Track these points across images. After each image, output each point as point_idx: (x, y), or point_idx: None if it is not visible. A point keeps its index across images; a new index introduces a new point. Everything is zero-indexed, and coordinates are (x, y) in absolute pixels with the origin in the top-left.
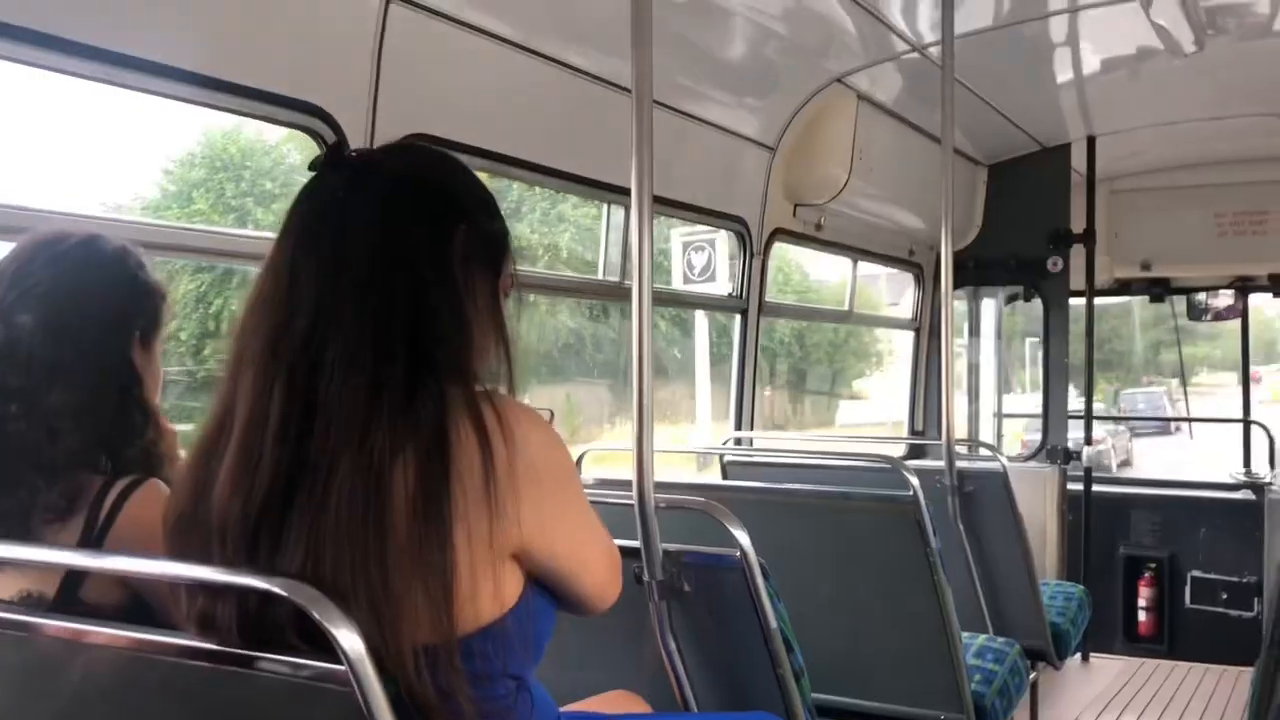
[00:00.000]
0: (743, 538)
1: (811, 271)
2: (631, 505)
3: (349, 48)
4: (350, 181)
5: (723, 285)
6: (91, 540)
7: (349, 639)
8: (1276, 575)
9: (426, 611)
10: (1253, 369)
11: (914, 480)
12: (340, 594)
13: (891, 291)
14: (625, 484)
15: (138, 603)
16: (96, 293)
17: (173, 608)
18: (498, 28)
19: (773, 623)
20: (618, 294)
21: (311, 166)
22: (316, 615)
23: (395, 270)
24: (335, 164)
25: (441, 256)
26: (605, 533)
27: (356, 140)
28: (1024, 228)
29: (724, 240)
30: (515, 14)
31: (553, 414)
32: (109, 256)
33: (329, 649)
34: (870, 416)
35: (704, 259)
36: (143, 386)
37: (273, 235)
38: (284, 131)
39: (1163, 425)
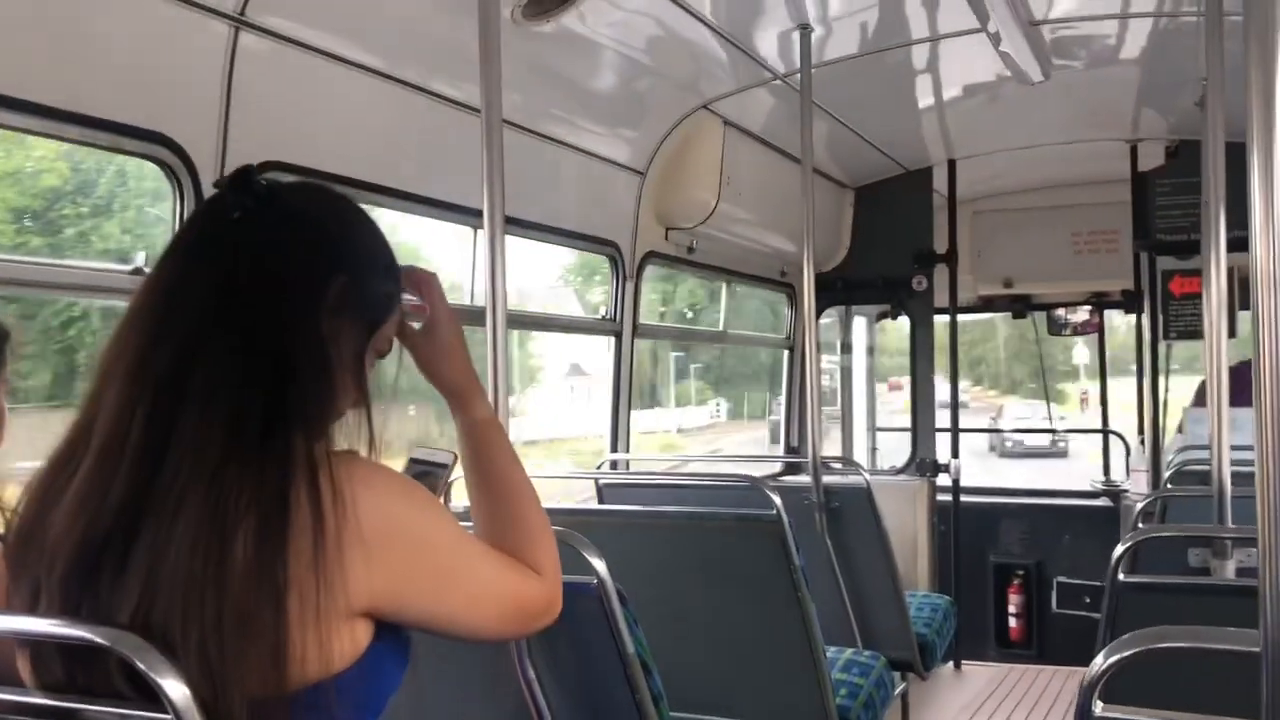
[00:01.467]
0: (599, 565)
1: None
2: None
3: (197, 76)
4: (247, 207)
5: None
6: None
7: (175, 689)
8: (1106, 591)
9: (257, 667)
10: (895, 379)
11: (776, 498)
12: (170, 641)
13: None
14: None
15: None
16: None
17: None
18: (354, 54)
19: (630, 648)
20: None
21: (217, 184)
22: (142, 666)
23: (266, 309)
24: (239, 188)
25: (311, 303)
26: (491, 579)
27: (206, 169)
28: (890, 248)
29: None
30: (371, 41)
31: (456, 457)
32: None
33: (157, 698)
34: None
35: None
36: None
37: (121, 268)
38: None
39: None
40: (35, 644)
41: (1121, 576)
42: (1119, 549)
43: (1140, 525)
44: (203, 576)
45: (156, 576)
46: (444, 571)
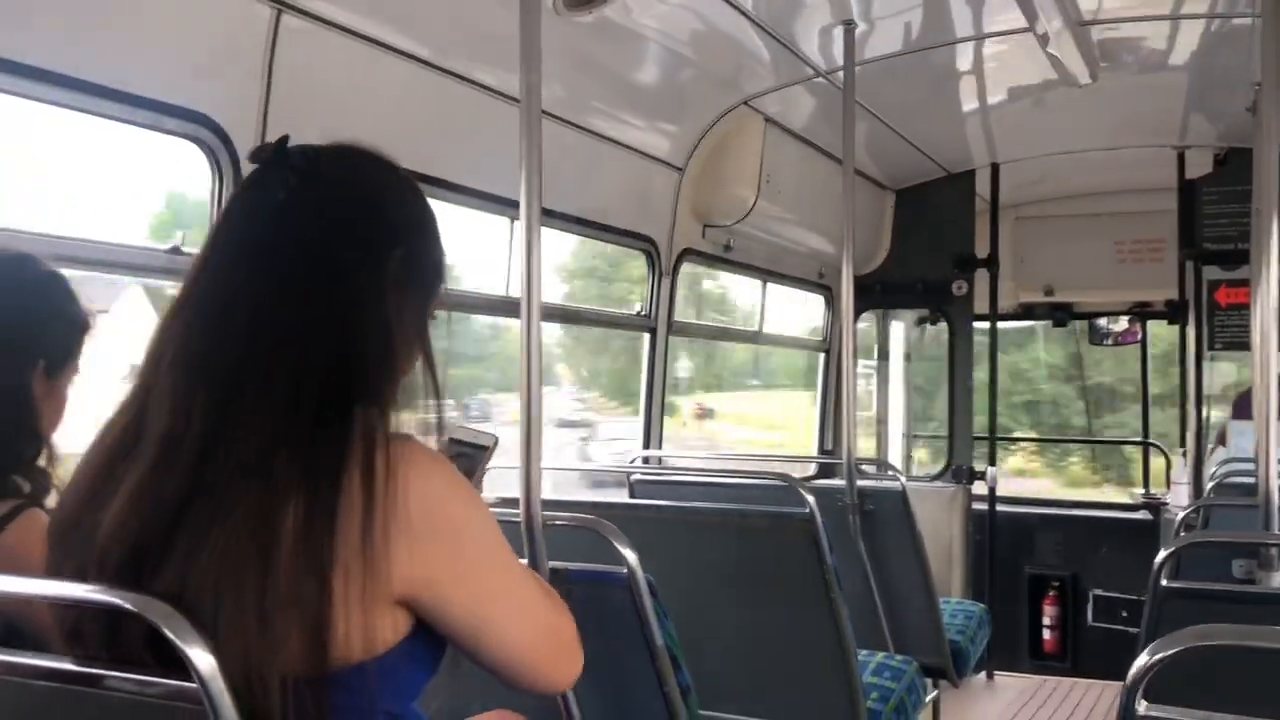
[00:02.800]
0: (629, 555)
1: None
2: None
3: (239, 58)
4: (291, 186)
5: None
6: None
7: (202, 658)
8: (1149, 598)
9: (299, 644)
10: (701, 404)
11: (810, 498)
12: (202, 615)
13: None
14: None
15: (11, 631)
16: (9, 315)
17: (44, 625)
18: (395, 40)
19: (658, 640)
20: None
21: (253, 158)
22: (169, 632)
23: (329, 289)
24: (279, 162)
25: (376, 279)
26: (534, 597)
27: (246, 151)
28: (930, 252)
29: None
30: (412, 28)
31: (497, 440)
32: (34, 280)
33: (185, 669)
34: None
35: None
36: (37, 416)
37: (158, 246)
38: None
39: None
40: (72, 621)
41: (1164, 582)
42: (1163, 553)
43: (1183, 534)
44: (246, 553)
45: (198, 554)
46: (486, 574)
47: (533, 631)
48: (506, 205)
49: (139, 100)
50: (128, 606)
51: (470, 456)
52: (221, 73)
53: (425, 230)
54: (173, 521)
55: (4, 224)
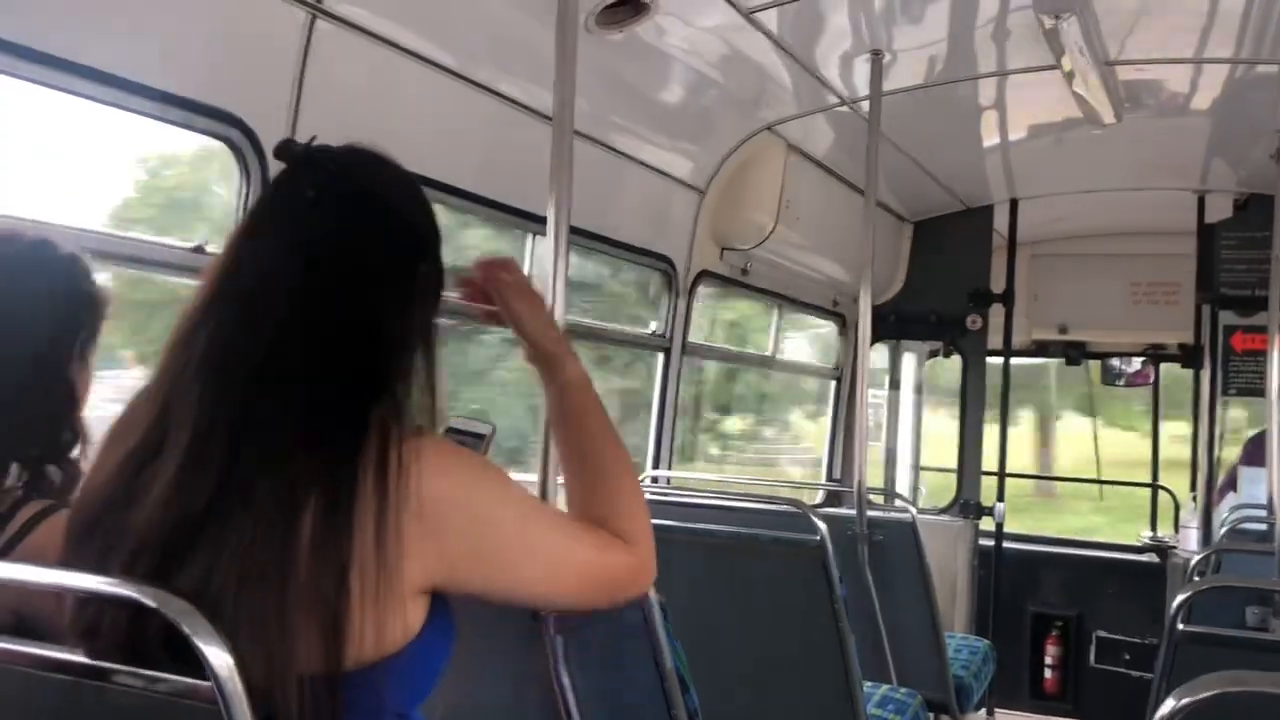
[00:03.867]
0: None
1: None
2: None
3: (272, 59)
4: (322, 184)
5: None
6: None
7: (218, 656)
8: (1164, 642)
9: (316, 644)
10: None
11: (821, 525)
12: (224, 613)
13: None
14: None
15: (22, 627)
16: (43, 302)
17: (54, 616)
18: (428, 51)
19: (669, 662)
20: None
21: (279, 155)
22: (185, 629)
23: (361, 293)
24: (309, 160)
25: (404, 289)
26: (566, 549)
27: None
28: (946, 285)
29: None
30: (446, 39)
31: (494, 429)
32: (60, 263)
33: (199, 666)
34: None
35: None
36: (77, 405)
37: (181, 244)
38: None
39: None
40: (89, 618)
41: (1181, 626)
42: (1180, 597)
43: (1196, 579)
44: (266, 553)
45: (221, 552)
46: (509, 547)
47: (578, 579)
48: (528, 219)
49: (170, 97)
50: (146, 601)
51: (469, 446)
52: (254, 75)
53: (438, 240)
54: (200, 521)
55: (27, 215)
